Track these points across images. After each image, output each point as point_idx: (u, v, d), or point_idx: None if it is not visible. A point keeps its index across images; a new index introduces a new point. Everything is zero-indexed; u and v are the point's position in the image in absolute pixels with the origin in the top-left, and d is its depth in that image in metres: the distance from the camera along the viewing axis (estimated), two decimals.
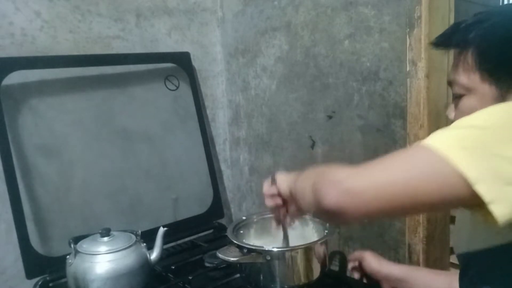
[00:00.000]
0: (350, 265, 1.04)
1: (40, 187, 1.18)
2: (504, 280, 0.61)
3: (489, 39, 0.63)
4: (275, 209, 0.88)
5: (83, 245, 1.04)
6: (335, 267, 1.25)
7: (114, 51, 1.33)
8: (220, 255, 0.95)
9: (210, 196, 1.48)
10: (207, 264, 1.19)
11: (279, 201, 0.86)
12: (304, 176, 0.72)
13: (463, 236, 0.69)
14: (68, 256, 1.05)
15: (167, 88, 1.44)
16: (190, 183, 1.47)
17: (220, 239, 1.34)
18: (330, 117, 1.23)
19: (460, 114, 0.66)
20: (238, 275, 1.07)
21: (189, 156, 1.47)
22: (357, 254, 1.03)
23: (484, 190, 0.51)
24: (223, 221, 1.49)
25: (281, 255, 0.97)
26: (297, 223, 1.13)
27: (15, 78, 1.14)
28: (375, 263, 0.98)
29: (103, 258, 1.02)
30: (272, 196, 0.86)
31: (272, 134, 1.44)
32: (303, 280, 0.99)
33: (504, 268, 0.60)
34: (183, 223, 1.40)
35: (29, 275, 1.09)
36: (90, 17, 1.28)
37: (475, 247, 0.64)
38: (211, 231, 1.45)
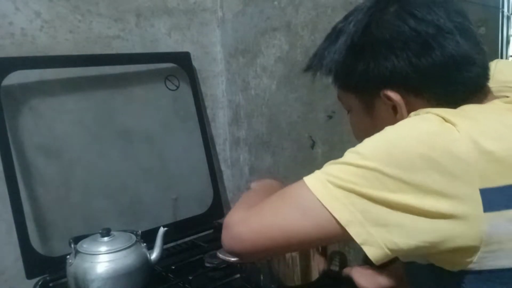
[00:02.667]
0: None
1: (40, 187, 1.18)
2: None
3: (333, 64, 0.67)
4: None
5: (83, 245, 1.04)
6: (335, 267, 1.25)
7: (114, 51, 1.33)
8: (220, 255, 0.96)
9: (210, 196, 1.48)
10: (207, 264, 1.19)
11: None
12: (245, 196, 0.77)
13: (417, 272, 0.69)
14: (68, 256, 1.05)
15: (167, 88, 1.44)
16: (190, 183, 1.47)
17: (220, 239, 1.34)
18: (330, 117, 1.23)
19: (352, 127, 0.72)
20: (238, 275, 1.07)
21: (189, 156, 1.47)
22: (346, 271, 1.02)
23: (354, 233, 0.53)
24: (223, 221, 1.49)
25: (281, 255, 0.97)
26: None
27: (15, 78, 1.14)
28: (363, 281, 0.97)
29: (103, 258, 1.02)
30: None
31: (272, 134, 1.44)
32: (303, 280, 0.99)
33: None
34: (183, 223, 1.40)
35: (29, 275, 1.09)
36: (90, 17, 1.28)
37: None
38: (211, 231, 1.45)
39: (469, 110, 0.57)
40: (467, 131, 0.52)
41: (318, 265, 1.01)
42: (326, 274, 1.05)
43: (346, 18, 0.68)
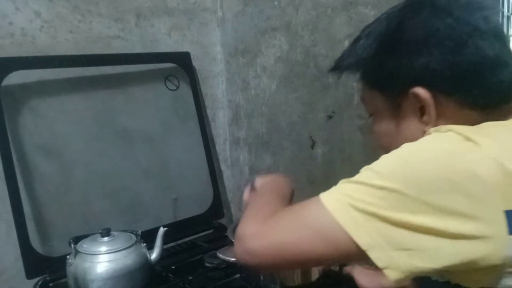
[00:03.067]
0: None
1: (40, 187, 1.18)
2: None
3: (362, 61, 0.66)
4: None
5: (83, 245, 1.04)
6: (335, 267, 1.25)
7: (114, 51, 1.33)
8: (220, 255, 0.96)
9: (210, 196, 1.48)
10: (207, 264, 1.19)
11: None
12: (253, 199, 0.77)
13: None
14: (68, 256, 1.05)
15: (167, 88, 1.44)
16: (190, 183, 1.47)
17: (220, 239, 1.34)
18: (330, 117, 1.23)
19: (373, 136, 0.69)
20: (238, 275, 1.07)
21: (189, 156, 1.47)
22: (347, 269, 1.02)
23: (376, 257, 0.52)
24: (223, 221, 1.49)
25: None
26: None
27: (15, 78, 1.14)
28: (363, 279, 0.97)
29: (103, 258, 1.02)
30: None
31: (272, 134, 1.44)
32: (303, 280, 0.99)
33: None
34: (183, 223, 1.40)
35: (29, 275, 1.09)
36: (90, 17, 1.28)
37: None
38: (211, 231, 1.45)
39: (491, 128, 0.56)
40: (490, 151, 0.51)
41: None
42: (326, 274, 1.05)
43: (377, 18, 0.68)
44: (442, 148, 0.53)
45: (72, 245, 1.03)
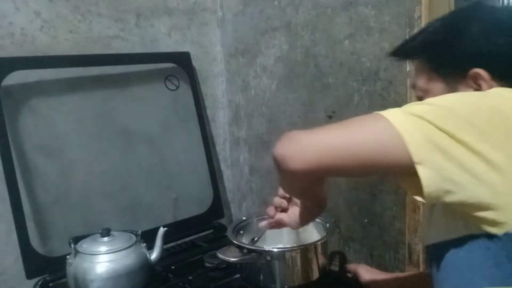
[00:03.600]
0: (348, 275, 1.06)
1: (40, 187, 1.18)
2: (464, 273, 0.61)
3: (431, 43, 0.71)
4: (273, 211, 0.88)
5: (83, 245, 1.04)
6: (335, 267, 1.25)
7: (114, 51, 1.33)
8: (220, 255, 0.95)
9: (210, 196, 1.48)
10: (207, 264, 1.19)
11: (285, 204, 0.86)
12: None
13: (430, 229, 0.70)
14: (68, 256, 1.05)
15: (167, 88, 1.44)
16: (190, 183, 1.47)
17: (220, 239, 1.34)
18: (330, 117, 1.23)
19: None
20: (238, 275, 1.07)
21: (189, 156, 1.47)
22: (352, 266, 1.05)
23: (414, 151, 0.53)
24: (223, 221, 1.49)
25: (281, 255, 0.97)
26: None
27: (15, 78, 1.14)
28: (367, 275, 1.00)
29: (103, 258, 1.02)
30: (282, 197, 0.86)
31: (272, 134, 1.44)
32: (303, 280, 0.99)
33: (463, 260, 0.61)
34: (183, 223, 1.40)
35: (29, 275, 1.09)
36: (90, 17, 1.28)
37: (439, 239, 0.65)
38: (211, 231, 1.45)
39: None
40: None
41: (318, 265, 1.01)
42: (326, 274, 1.05)
43: (442, 16, 0.74)
44: (501, 91, 0.62)
45: (72, 245, 1.03)
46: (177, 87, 1.46)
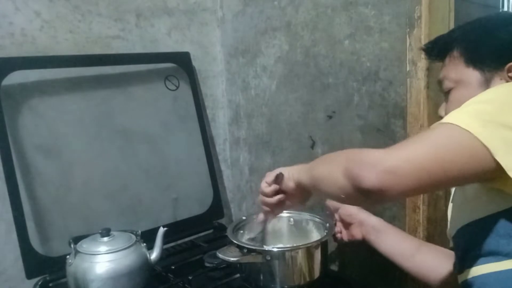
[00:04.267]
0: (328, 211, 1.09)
1: (40, 187, 1.18)
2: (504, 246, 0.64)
3: (470, 34, 0.75)
4: (274, 205, 0.90)
5: (83, 245, 1.04)
6: (335, 267, 1.25)
7: (114, 51, 1.33)
8: (220, 255, 0.95)
9: (210, 196, 1.48)
10: (207, 264, 1.19)
11: (281, 197, 0.89)
12: (321, 163, 0.76)
13: (465, 209, 0.72)
14: (68, 256, 1.04)
15: (167, 88, 1.44)
16: (190, 183, 1.47)
17: (220, 239, 1.34)
18: (330, 117, 1.23)
19: (451, 106, 0.74)
20: (238, 275, 1.07)
21: (189, 156, 1.47)
22: (335, 202, 1.07)
23: (502, 159, 0.56)
24: (223, 221, 1.49)
25: (281, 255, 0.97)
26: (297, 223, 1.14)
27: (15, 78, 1.14)
28: (354, 209, 1.03)
29: (103, 258, 1.02)
30: (273, 192, 0.88)
31: (272, 134, 1.44)
32: (303, 280, 0.99)
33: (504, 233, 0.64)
34: (183, 223, 1.40)
35: (29, 275, 1.09)
36: (90, 17, 1.28)
37: (479, 216, 0.67)
38: (211, 231, 1.45)
39: None
40: None
41: (318, 265, 1.01)
42: (326, 274, 1.05)
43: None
44: None
45: (72, 245, 1.03)
46: (177, 87, 1.46)
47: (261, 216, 0.98)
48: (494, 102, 0.62)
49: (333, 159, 0.71)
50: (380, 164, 0.59)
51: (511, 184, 0.58)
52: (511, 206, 0.63)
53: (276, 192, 0.90)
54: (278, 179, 0.88)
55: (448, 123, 0.60)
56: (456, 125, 0.59)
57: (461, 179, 0.62)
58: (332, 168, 0.68)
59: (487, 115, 0.59)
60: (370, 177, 0.59)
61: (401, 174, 0.58)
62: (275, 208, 0.93)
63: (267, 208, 0.93)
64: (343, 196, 0.66)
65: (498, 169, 0.57)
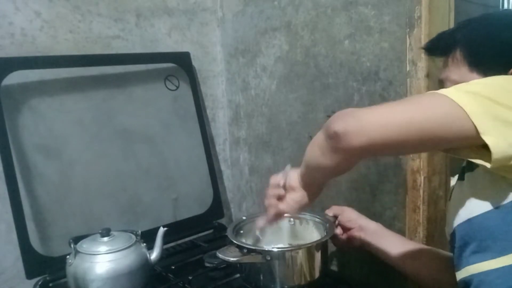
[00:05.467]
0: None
1: (40, 187, 1.18)
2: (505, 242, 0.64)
3: (474, 37, 0.74)
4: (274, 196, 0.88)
5: (83, 245, 1.04)
6: (335, 267, 1.25)
7: (114, 51, 1.33)
8: (220, 255, 0.95)
9: (210, 196, 1.48)
10: (207, 264, 1.19)
11: (281, 191, 0.86)
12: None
13: (463, 207, 0.72)
14: (68, 256, 1.05)
15: (167, 88, 1.44)
16: (190, 183, 1.47)
17: (220, 239, 1.34)
18: (330, 117, 1.23)
19: None
20: (238, 275, 1.07)
21: (189, 156, 1.47)
22: (335, 207, 1.07)
23: (478, 122, 0.56)
24: (223, 221, 1.49)
25: (281, 255, 0.97)
26: (297, 223, 1.13)
27: (15, 78, 1.14)
28: (354, 214, 1.04)
29: (103, 258, 1.02)
30: (277, 186, 0.86)
31: (272, 134, 1.44)
32: (303, 280, 0.99)
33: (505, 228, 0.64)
34: (183, 223, 1.40)
35: (29, 275, 1.09)
36: (90, 17, 1.28)
37: (477, 212, 0.67)
38: (211, 231, 1.45)
39: None
40: None
41: (318, 265, 1.01)
42: (326, 274, 1.05)
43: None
44: None
45: (72, 245, 1.03)
46: (177, 87, 1.46)
47: (261, 222, 0.95)
48: (485, 84, 0.62)
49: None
50: (352, 113, 0.63)
51: (485, 154, 0.58)
52: (506, 203, 0.63)
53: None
54: (285, 174, 0.86)
55: (432, 91, 0.62)
56: (438, 92, 0.60)
57: (431, 142, 0.62)
58: (314, 139, 0.72)
59: (474, 90, 0.60)
60: (339, 122, 0.63)
61: (365, 121, 0.61)
62: (275, 207, 0.90)
63: (270, 202, 0.89)
64: (321, 156, 0.68)
65: (474, 136, 0.57)
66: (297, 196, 0.83)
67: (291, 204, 0.84)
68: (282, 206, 0.85)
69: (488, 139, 0.56)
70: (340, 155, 0.66)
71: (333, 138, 0.63)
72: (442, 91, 0.61)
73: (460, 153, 0.63)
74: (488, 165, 0.58)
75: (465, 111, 0.57)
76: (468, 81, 0.71)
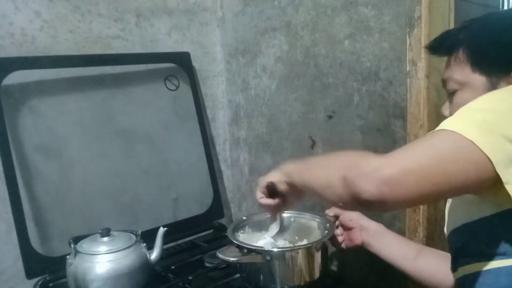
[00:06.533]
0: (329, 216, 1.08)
1: (40, 187, 1.18)
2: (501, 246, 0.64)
3: (477, 37, 0.73)
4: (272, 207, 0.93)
5: (83, 245, 1.04)
6: (335, 267, 1.25)
7: (114, 51, 1.33)
8: (220, 255, 0.95)
9: (210, 196, 1.48)
10: (207, 264, 1.19)
11: (276, 201, 0.91)
12: (317, 166, 0.76)
13: (460, 211, 0.72)
14: (68, 256, 1.05)
15: (167, 88, 1.44)
16: (190, 183, 1.47)
17: (220, 239, 1.34)
18: (330, 117, 1.23)
19: (455, 108, 0.71)
20: (238, 275, 1.07)
21: (189, 156, 1.47)
22: (336, 208, 1.07)
23: (503, 173, 0.56)
24: (223, 221, 1.49)
25: (281, 255, 0.97)
26: (297, 223, 1.13)
27: (15, 78, 1.14)
28: (356, 214, 1.04)
29: (103, 258, 1.02)
30: (267, 199, 0.92)
31: (272, 134, 1.44)
32: (303, 280, 0.99)
33: (500, 235, 0.64)
34: (183, 223, 1.40)
35: (29, 275, 1.09)
36: (90, 17, 1.28)
37: (472, 218, 0.68)
38: (211, 231, 1.45)
39: None
40: None
41: (318, 265, 1.01)
42: (326, 274, 1.05)
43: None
44: None
45: (72, 245, 1.03)
46: (177, 87, 1.46)
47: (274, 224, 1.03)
48: (495, 111, 0.60)
49: (330, 164, 0.71)
50: (379, 175, 0.57)
51: (502, 195, 0.57)
52: (502, 210, 0.63)
53: (271, 196, 0.93)
54: (269, 187, 0.89)
55: (449, 130, 0.59)
56: (458, 133, 0.57)
57: (462, 189, 0.61)
58: (329, 174, 0.67)
59: (489, 125, 0.58)
60: (370, 189, 0.57)
61: (402, 184, 0.57)
62: (275, 210, 0.95)
63: (269, 211, 0.94)
64: (340, 204, 0.66)
65: (496, 181, 0.57)
66: (294, 197, 0.88)
67: (293, 205, 0.89)
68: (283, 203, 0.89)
69: (510, 188, 0.56)
70: (369, 211, 0.67)
71: (362, 203, 0.60)
72: (459, 129, 0.58)
73: (478, 193, 0.63)
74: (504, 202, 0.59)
75: (490, 160, 0.56)
76: (470, 82, 0.72)
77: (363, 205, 0.60)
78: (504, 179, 0.56)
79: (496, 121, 0.58)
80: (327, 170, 0.70)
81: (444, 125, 0.61)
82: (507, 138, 0.56)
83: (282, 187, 0.87)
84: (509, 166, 0.56)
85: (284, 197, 0.92)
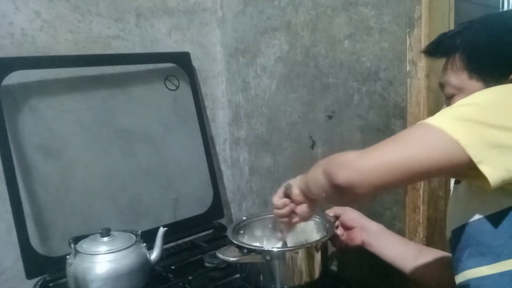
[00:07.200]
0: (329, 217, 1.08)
1: (40, 187, 1.18)
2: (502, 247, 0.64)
3: (474, 42, 0.73)
4: (287, 215, 0.91)
5: (83, 245, 1.04)
6: (335, 267, 1.25)
7: (114, 51, 1.33)
8: (220, 255, 0.95)
9: (210, 196, 1.48)
10: (207, 264, 1.19)
11: (292, 207, 0.90)
12: (314, 167, 0.79)
13: (459, 211, 0.73)
14: (68, 256, 1.05)
15: (167, 88, 1.44)
16: (190, 183, 1.47)
17: (220, 239, 1.34)
18: (330, 117, 1.23)
19: None
20: (238, 275, 1.07)
21: (189, 156, 1.47)
22: (337, 207, 1.08)
23: (473, 153, 0.58)
24: (223, 221, 1.49)
25: (281, 255, 0.97)
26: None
27: (15, 78, 1.14)
28: (356, 214, 1.05)
29: (103, 258, 1.02)
30: (284, 204, 0.89)
31: (272, 134, 1.44)
32: (303, 280, 0.99)
33: (500, 235, 0.65)
34: (183, 223, 1.40)
35: (29, 275, 1.09)
36: (90, 17, 1.28)
37: (472, 218, 0.68)
38: (211, 231, 1.45)
39: None
40: None
41: (318, 265, 1.01)
42: (326, 274, 1.05)
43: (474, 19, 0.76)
44: None
45: (72, 245, 1.03)
46: (177, 87, 1.46)
47: (280, 235, 1.02)
48: (476, 105, 0.62)
49: (320, 163, 0.76)
50: (351, 164, 0.65)
51: (481, 177, 0.58)
52: (502, 209, 0.63)
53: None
54: (287, 190, 0.88)
55: (424, 123, 0.63)
56: (430, 124, 0.61)
57: (432, 174, 0.65)
58: (317, 170, 0.75)
59: (467, 115, 0.60)
60: (340, 175, 0.65)
61: (365, 171, 0.63)
62: (289, 220, 0.92)
63: (284, 220, 0.92)
64: (323, 195, 0.73)
65: (471, 165, 0.58)
66: (305, 206, 0.87)
67: (304, 215, 0.89)
68: (296, 219, 0.90)
69: (484, 168, 0.58)
70: (346, 198, 0.72)
71: (337, 189, 0.67)
72: (434, 121, 0.62)
73: (462, 178, 0.65)
74: (488, 188, 0.59)
75: (459, 143, 0.58)
76: (467, 88, 0.73)
77: (338, 191, 0.67)
78: (476, 159, 0.57)
79: (475, 112, 0.60)
80: (317, 167, 0.76)
81: (421, 120, 0.65)
82: (486, 123, 0.58)
83: (295, 191, 0.87)
84: (482, 147, 0.58)
85: (297, 206, 0.90)
